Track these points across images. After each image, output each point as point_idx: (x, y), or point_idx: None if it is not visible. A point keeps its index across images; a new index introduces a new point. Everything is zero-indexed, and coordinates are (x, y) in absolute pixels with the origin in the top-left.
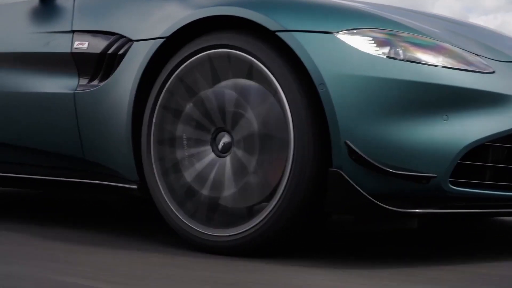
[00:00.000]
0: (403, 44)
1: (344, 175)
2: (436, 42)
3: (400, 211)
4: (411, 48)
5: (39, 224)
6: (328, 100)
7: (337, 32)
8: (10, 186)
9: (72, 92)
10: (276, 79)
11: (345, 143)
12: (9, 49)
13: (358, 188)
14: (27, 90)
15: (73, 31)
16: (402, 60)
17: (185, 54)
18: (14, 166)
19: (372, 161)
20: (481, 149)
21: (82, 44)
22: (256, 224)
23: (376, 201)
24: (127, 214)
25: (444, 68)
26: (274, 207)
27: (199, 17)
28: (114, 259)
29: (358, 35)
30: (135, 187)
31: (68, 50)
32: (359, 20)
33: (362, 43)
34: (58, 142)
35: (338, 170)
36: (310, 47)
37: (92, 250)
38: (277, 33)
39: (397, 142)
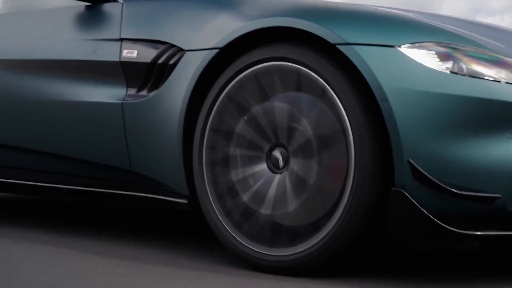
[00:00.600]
0: (466, 58)
1: (407, 195)
2: (499, 56)
3: (463, 233)
4: (474, 63)
5: (73, 233)
6: (391, 116)
7: (399, 46)
8: (53, 196)
9: (120, 102)
10: (336, 95)
11: (408, 161)
12: (55, 57)
13: (421, 208)
14: (73, 99)
15: (121, 39)
16: (465, 75)
17: (242, 66)
18: (60, 176)
19: (435, 181)
20: None
21: (131, 53)
22: (316, 243)
23: (439, 222)
24: (176, 227)
25: (508, 84)
26: (334, 225)
27: (257, 28)
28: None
29: (421, 48)
30: (185, 201)
31: (117, 59)
32: (421, 33)
33: (425, 57)
34: (105, 152)
35: (400, 190)
36: (372, 61)
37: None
38: (338, 46)
39: (460, 161)
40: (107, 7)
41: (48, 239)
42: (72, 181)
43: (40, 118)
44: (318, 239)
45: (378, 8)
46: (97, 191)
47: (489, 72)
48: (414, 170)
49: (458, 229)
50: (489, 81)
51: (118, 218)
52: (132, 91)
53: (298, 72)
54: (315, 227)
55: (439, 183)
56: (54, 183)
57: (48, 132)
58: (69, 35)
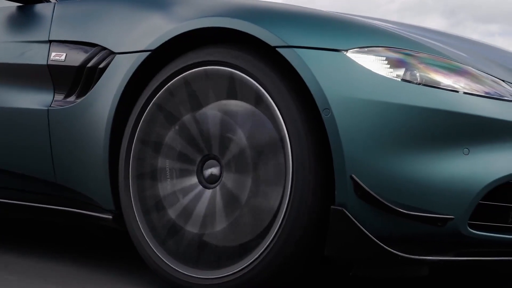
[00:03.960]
0: (420, 65)
1: (348, 214)
2: (458, 65)
3: (411, 258)
4: (430, 71)
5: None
6: (333, 127)
7: (346, 50)
8: None
9: (46, 108)
10: (274, 102)
11: (351, 177)
12: None
13: (364, 230)
14: None
15: (50, 41)
16: (419, 84)
17: (172, 71)
18: None
19: (380, 199)
20: (505, 188)
21: (59, 56)
22: (249, 265)
23: (384, 246)
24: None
25: (466, 94)
26: (267, 246)
27: (191, 29)
28: None
29: (370, 54)
30: (110, 217)
31: (44, 62)
32: (371, 37)
33: (374, 63)
34: (29, 163)
35: (341, 208)
36: (315, 66)
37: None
38: (278, 49)
39: (410, 177)
40: (39, 7)
41: None
42: None
43: None
44: (246, 263)
45: (323, 10)
46: (22, 204)
47: (446, 81)
48: (357, 186)
49: (406, 253)
50: (445, 91)
51: (40, 232)
52: (59, 97)
53: (233, 77)
54: (244, 249)
55: (385, 201)
56: None
57: None
58: None
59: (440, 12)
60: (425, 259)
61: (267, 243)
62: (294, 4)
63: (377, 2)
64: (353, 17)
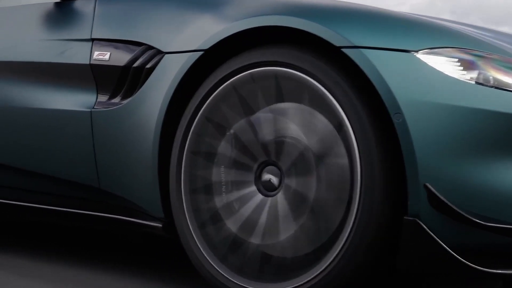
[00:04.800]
0: (492, 67)
1: (422, 225)
2: None
3: (488, 272)
4: (502, 73)
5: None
6: (405, 132)
7: (416, 51)
8: (12, 215)
9: (89, 110)
10: (340, 106)
11: (425, 186)
12: (17, 58)
13: (439, 241)
14: (36, 106)
15: (92, 40)
16: (492, 87)
17: (230, 70)
18: (18, 192)
19: (456, 209)
20: None
21: (102, 55)
22: (314, 277)
23: (459, 258)
24: (150, 251)
25: None
26: (333, 260)
27: (248, 27)
28: None
29: (441, 55)
30: (160, 225)
31: (87, 62)
32: (440, 37)
33: (445, 65)
34: (71, 168)
35: (414, 219)
36: (383, 68)
37: None
38: (343, 50)
39: (486, 186)
40: (78, 4)
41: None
42: (34, 198)
43: None
44: (313, 274)
45: (386, 9)
46: (63, 211)
47: None
48: (431, 196)
49: (482, 266)
50: None
51: (82, 239)
52: (102, 98)
53: (296, 79)
54: (310, 260)
55: (461, 212)
56: (14, 200)
57: (6, 142)
58: (35, 34)
59: (450, 13)
60: (502, 273)
61: (335, 254)
62: (350, 2)
63: (387, 3)
64: (417, 16)
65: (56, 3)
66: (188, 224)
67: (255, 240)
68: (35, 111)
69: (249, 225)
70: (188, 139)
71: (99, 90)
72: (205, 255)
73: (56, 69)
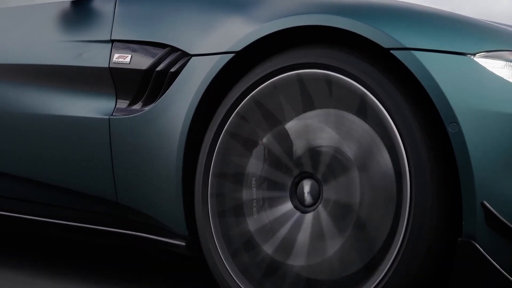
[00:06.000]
0: None
1: (478, 247)
2: None
3: None
4: None
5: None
6: (461, 144)
7: (473, 54)
8: (26, 229)
9: (107, 117)
10: (389, 114)
11: (482, 204)
12: (31, 61)
13: (496, 265)
14: (51, 112)
15: (112, 41)
16: None
17: (266, 72)
18: (29, 205)
19: None
20: None
21: (123, 58)
22: None
23: None
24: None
25: None
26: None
27: (285, 27)
28: None
29: (500, 58)
30: (183, 243)
31: (106, 65)
32: (499, 39)
33: (504, 69)
34: (87, 179)
35: (470, 240)
36: (437, 72)
37: None
38: (392, 52)
39: None
40: (97, 3)
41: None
42: (48, 212)
43: (10, 135)
44: None
45: (436, 8)
46: (76, 226)
47: None
48: (489, 215)
49: None
50: None
51: (101, 256)
52: (122, 104)
53: (342, 84)
54: (351, 282)
55: None
56: (27, 214)
57: (19, 152)
58: (51, 35)
59: None
60: None
61: (381, 275)
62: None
63: None
64: (469, 16)
65: (73, 2)
66: (218, 251)
67: (294, 261)
68: (49, 117)
69: (286, 245)
70: (213, 159)
71: (118, 96)
72: (239, 283)
73: (72, 73)
